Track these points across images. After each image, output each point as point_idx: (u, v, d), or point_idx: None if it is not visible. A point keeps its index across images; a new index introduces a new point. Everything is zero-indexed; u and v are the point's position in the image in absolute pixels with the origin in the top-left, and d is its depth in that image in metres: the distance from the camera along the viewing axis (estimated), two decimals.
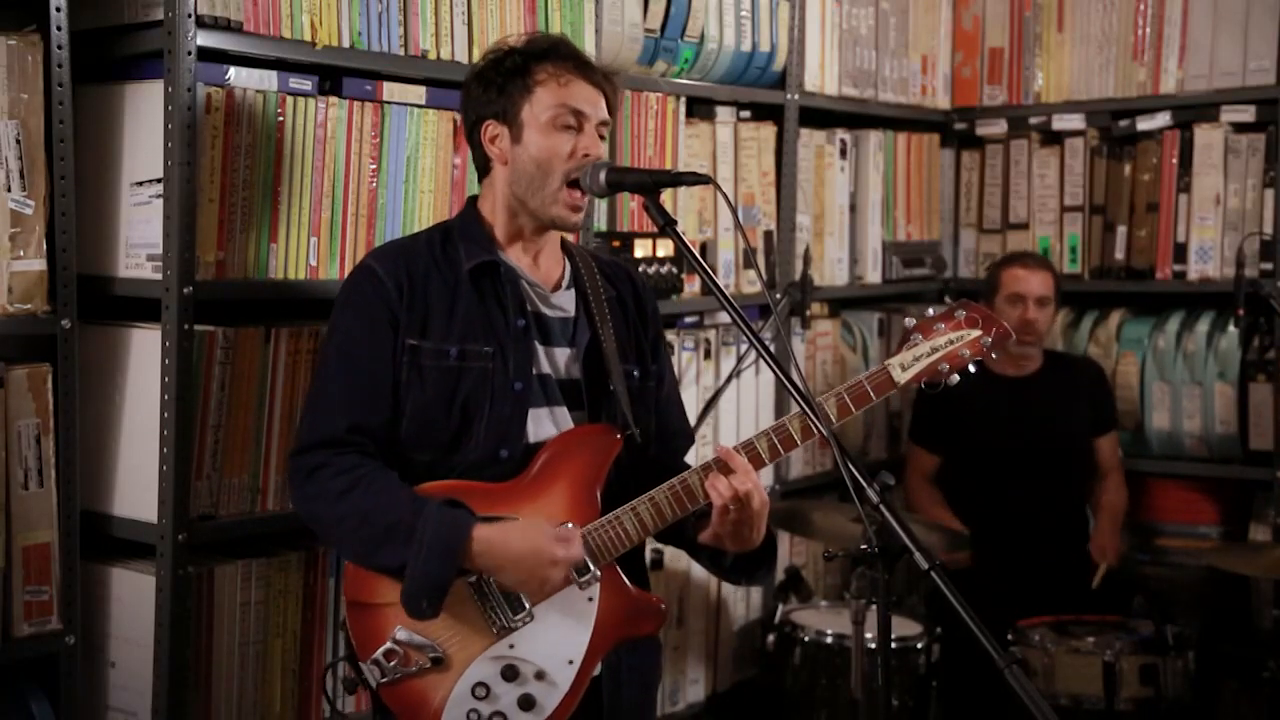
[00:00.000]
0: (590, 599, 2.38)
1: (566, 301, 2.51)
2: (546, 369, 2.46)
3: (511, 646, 2.35)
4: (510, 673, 2.34)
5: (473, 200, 2.56)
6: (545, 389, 2.45)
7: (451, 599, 2.31)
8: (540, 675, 2.35)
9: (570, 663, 2.36)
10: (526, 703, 2.34)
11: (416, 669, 2.33)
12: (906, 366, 2.48)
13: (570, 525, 2.36)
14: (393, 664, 2.33)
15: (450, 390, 2.39)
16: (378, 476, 2.34)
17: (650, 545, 2.74)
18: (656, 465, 2.50)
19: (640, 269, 3.46)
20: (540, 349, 2.46)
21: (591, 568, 2.36)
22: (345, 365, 2.40)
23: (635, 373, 2.54)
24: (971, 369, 2.51)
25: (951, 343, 2.48)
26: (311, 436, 2.38)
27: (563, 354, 2.48)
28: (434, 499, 2.31)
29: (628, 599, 2.41)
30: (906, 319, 2.51)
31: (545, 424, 2.44)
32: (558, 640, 2.36)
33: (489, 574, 2.33)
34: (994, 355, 2.53)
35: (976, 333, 2.49)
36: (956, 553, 3.91)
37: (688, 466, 2.50)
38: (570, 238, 2.65)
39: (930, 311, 2.53)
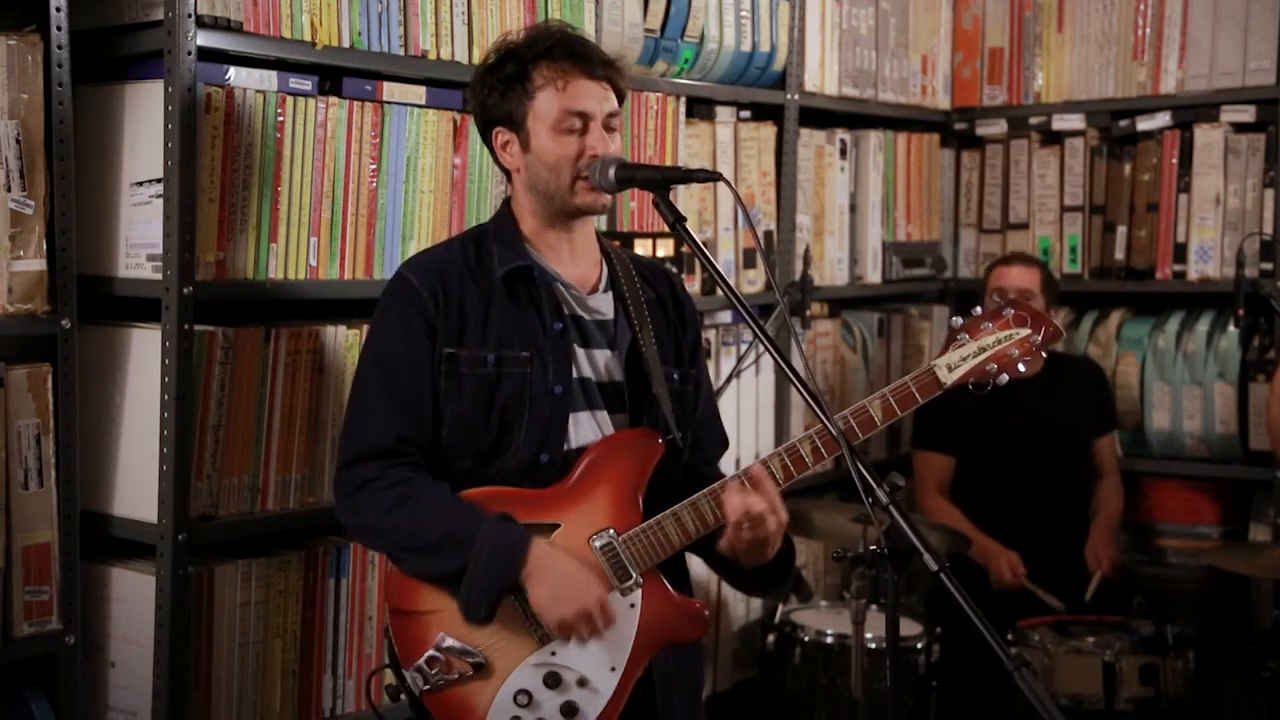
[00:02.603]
0: (632, 605, 2.36)
1: (604, 304, 2.49)
2: (587, 372, 2.44)
3: (554, 654, 2.34)
4: (552, 679, 2.32)
5: (508, 202, 2.54)
6: (586, 392, 2.43)
7: None
8: (583, 682, 2.33)
9: (613, 669, 2.34)
10: (569, 710, 2.32)
11: (459, 676, 2.32)
12: (954, 367, 2.42)
13: (612, 531, 2.35)
14: (435, 671, 2.31)
15: (488, 397, 2.38)
16: (430, 489, 2.34)
17: None
18: (691, 471, 2.49)
19: None
20: (580, 352, 2.43)
21: (634, 574, 2.35)
22: (386, 377, 2.39)
23: (675, 375, 2.51)
24: (1022, 368, 2.43)
25: (1000, 342, 2.42)
26: (360, 449, 2.37)
27: (603, 356, 2.46)
28: (489, 514, 2.30)
29: (670, 605, 2.39)
30: (953, 319, 2.45)
31: (586, 428, 2.42)
32: (600, 647, 2.34)
33: (534, 591, 2.29)
34: (1043, 355, 2.46)
35: (1025, 331, 2.43)
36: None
37: (722, 473, 2.47)
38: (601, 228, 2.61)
39: (977, 311, 2.46)
